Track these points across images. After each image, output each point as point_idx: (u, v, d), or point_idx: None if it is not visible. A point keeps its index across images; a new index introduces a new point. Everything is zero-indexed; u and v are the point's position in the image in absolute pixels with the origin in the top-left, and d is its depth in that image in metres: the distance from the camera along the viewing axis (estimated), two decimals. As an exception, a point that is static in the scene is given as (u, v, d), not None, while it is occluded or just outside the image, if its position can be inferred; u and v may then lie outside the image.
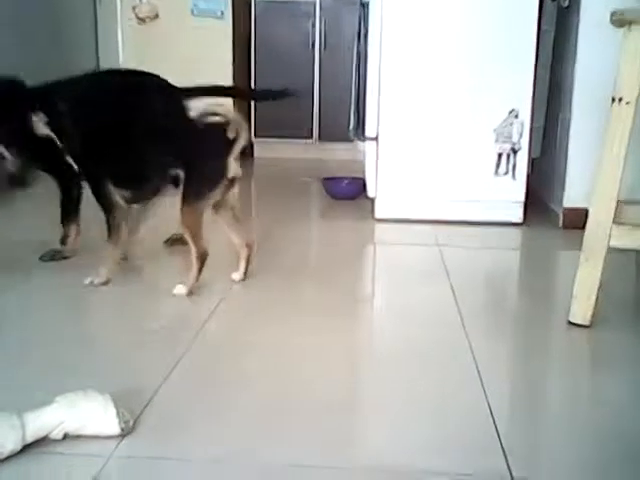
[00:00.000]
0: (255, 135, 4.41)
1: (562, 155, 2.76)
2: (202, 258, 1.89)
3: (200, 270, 1.90)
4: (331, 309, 1.86)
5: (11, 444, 1.10)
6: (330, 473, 1.11)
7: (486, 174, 2.77)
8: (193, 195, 1.85)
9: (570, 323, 1.73)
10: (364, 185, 2.99)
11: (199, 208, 1.86)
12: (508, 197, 2.79)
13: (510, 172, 2.76)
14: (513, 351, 1.69)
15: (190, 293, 1.89)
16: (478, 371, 1.47)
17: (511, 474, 1.11)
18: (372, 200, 2.88)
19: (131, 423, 1.19)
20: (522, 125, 2.73)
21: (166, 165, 1.89)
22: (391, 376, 1.47)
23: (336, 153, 4.41)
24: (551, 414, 1.38)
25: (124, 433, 1.17)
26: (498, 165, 2.76)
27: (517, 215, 2.80)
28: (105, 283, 1.94)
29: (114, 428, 1.16)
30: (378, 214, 2.85)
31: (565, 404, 1.41)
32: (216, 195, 1.88)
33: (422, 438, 1.23)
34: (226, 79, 4.40)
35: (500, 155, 2.75)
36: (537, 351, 1.64)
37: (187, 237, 1.88)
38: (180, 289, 1.89)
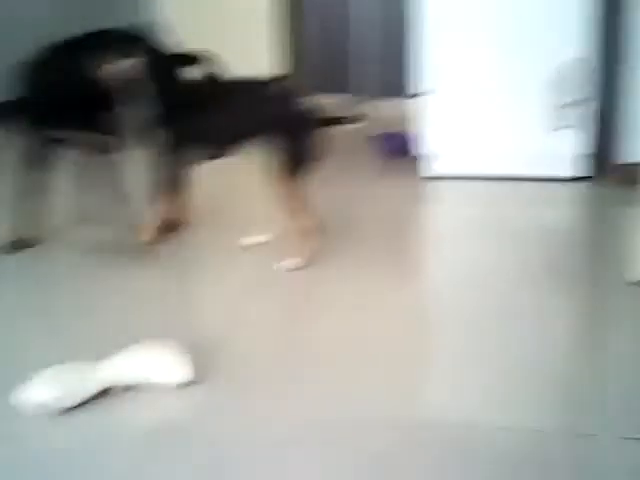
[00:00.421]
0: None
1: (626, 107, 2.66)
2: (307, 231, 1.84)
3: (308, 243, 1.84)
4: (387, 270, 1.85)
5: (87, 391, 1.14)
6: (394, 427, 1.12)
7: (546, 127, 2.69)
8: (294, 169, 1.79)
9: (630, 282, 1.68)
10: (414, 142, 2.94)
11: (299, 181, 1.81)
12: (569, 151, 2.71)
13: (572, 124, 2.68)
14: (575, 309, 1.66)
15: (298, 267, 1.83)
16: (541, 329, 1.45)
17: (579, 431, 1.10)
18: (424, 157, 2.84)
19: (199, 374, 1.21)
20: (585, 75, 2.64)
21: (253, 129, 1.83)
22: (452, 335, 1.47)
23: (386, 110, 4.35)
24: (617, 371, 1.36)
25: (191, 383, 1.20)
26: (559, 117, 2.68)
27: (578, 170, 2.72)
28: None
29: (183, 378, 1.19)
30: (430, 171, 2.81)
31: (630, 361, 1.38)
32: (311, 171, 1.83)
33: (488, 394, 1.22)
34: (271, 31, 4.37)
35: (561, 107, 2.67)
36: (598, 309, 1.61)
37: (288, 212, 1.81)
38: (288, 263, 1.82)
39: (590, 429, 1.11)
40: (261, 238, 1.97)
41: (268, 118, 1.81)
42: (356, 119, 1.86)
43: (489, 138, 2.75)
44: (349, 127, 1.87)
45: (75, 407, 1.12)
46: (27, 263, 1.84)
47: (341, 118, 1.86)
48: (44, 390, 1.10)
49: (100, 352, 1.21)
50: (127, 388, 1.18)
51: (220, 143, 1.90)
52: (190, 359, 1.22)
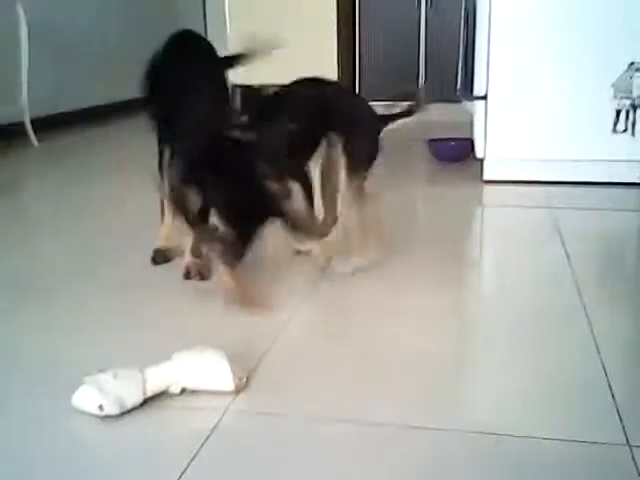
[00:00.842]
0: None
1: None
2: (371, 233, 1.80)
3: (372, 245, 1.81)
4: (440, 272, 1.83)
5: (134, 398, 1.16)
6: (433, 434, 1.11)
7: (603, 132, 2.63)
8: (357, 167, 1.77)
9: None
10: (472, 146, 2.92)
11: (364, 182, 1.79)
12: (627, 156, 2.64)
13: (629, 129, 2.61)
14: (630, 318, 1.61)
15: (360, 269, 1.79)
16: (594, 337, 1.41)
17: (628, 442, 1.07)
18: (481, 161, 2.81)
19: (244, 380, 1.23)
20: (643, 79, 2.58)
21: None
22: (502, 340, 1.45)
23: (443, 114, 4.31)
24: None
25: (238, 389, 1.21)
26: (616, 122, 2.62)
27: (636, 175, 2.65)
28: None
29: (228, 384, 1.20)
30: (487, 176, 2.78)
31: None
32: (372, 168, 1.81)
33: (534, 403, 1.20)
34: (330, 38, 4.39)
35: (619, 111, 2.61)
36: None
37: (352, 212, 1.77)
38: (350, 266, 1.79)
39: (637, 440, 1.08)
40: (310, 245, 1.95)
41: (338, 118, 1.79)
42: (411, 110, 1.84)
43: (549, 142, 2.71)
44: (405, 121, 1.85)
45: (122, 414, 1.15)
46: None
47: (399, 114, 1.86)
48: (91, 397, 1.13)
49: (145, 359, 1.24)
50: (175, 394, 1.20)
51: (305, 153, 1.81)
52: (237, 365, 1.23)
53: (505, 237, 2.18)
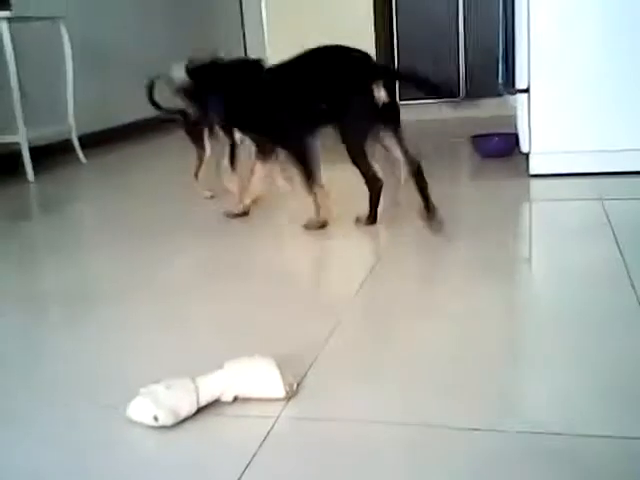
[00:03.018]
0: (400, 98, 4.35)
1: None
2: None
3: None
4: (488, 269, 1.81)
5: (187, 408, 1.18)
6: (487, 436, 1.09)
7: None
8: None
9: None
10: (516, 141, 2.88)
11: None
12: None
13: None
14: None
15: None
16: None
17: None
18: (526, 156, 2.76)
19: (295, 386, 1.23)
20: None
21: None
22: (553, 338, 1.42)
23: (485, 110, 4.27)
24: None
25: (289, 396, 1.22)
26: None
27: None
28: None
29: (279, 391, 1.21)
30: (533, 170, 2.73)
31: None
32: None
33: (585, 402, 1.17)
34: (367, 32, 4.38)
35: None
36: None
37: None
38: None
39: None
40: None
41: None
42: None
43: (594, 132, 2.65)
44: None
45: (177, 424, 1.16)
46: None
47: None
48: (146, 408, 1.14)
49: (198, 368, 1.25)
50: (228, 402, 1.21)
51: None
52: (287, 372, 1.24)
53: (554, 231, 2.14)
